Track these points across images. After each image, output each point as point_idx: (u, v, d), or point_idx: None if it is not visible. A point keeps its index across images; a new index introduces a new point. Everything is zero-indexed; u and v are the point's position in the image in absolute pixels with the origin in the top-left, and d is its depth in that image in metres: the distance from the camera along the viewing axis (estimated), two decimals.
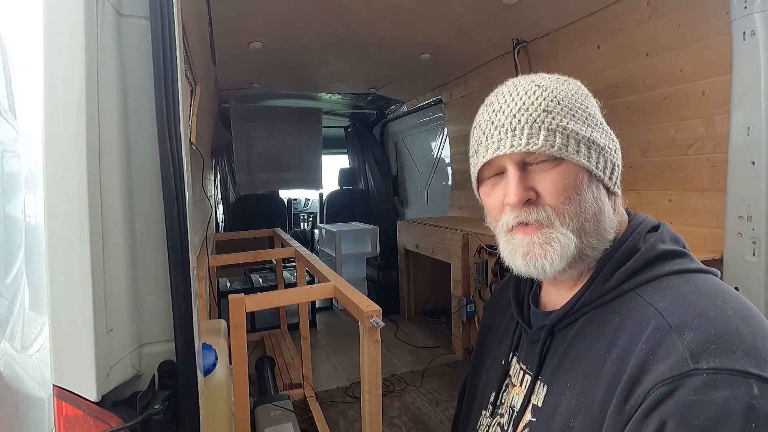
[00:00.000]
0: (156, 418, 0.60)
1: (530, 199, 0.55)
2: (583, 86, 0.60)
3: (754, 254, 1.51)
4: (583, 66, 2.22)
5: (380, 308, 1.34)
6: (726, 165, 1.59)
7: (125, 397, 0.64)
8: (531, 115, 0.55)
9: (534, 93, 0.56)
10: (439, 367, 2.83)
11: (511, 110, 0.56)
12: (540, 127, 0.54)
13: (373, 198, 5.41)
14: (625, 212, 0.62)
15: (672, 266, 0.54)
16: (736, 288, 1.54)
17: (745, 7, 1.49)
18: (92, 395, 0.58)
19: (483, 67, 3.07)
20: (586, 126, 0.56)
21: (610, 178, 0.58)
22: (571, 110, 0.56)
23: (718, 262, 1.61)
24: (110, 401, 0.62)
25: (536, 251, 0.56)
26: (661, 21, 1.83)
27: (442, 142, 4.39)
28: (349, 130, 5.59)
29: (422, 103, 4.21)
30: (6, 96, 1.58)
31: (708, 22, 1.65)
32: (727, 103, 1.59)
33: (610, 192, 0.58)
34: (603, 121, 0.60)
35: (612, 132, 0.60)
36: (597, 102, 0.61)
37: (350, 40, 2.54)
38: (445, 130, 4.07)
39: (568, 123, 0.55)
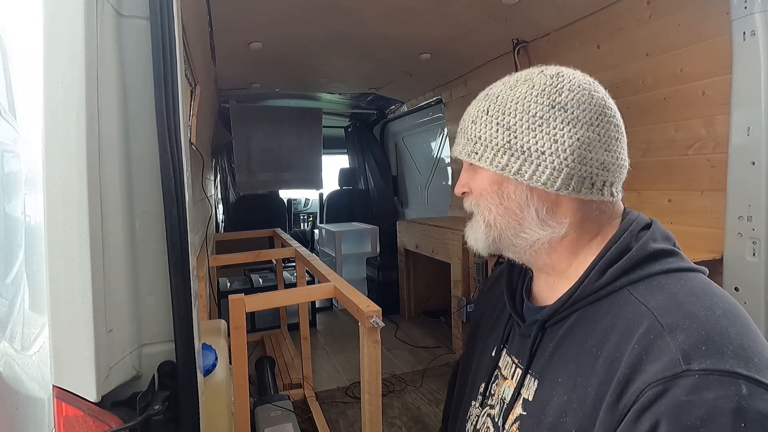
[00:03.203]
0: (156, 419, 0.60)
1: (465, 192, 0.66)
2: (547, 84, 0.58)
3: (754, 254, 1.50)
4: (583, 66, 2.18)
5: (380, 308, 1.34)
6: (726, 165, 1.59)
7: (125, 397, 0.64)
8: (464, 123, 0.64)
9: (477, 102, 0.63)
10: (439, 367, 2.83)
11: (464, 116, 0.65)
12: (464, 136, 0.63)
13: (373, 198, 5.41)
14: (612, 209, 0.62)
15: (663, 265, 0.55)
16: (736, 288, 1.55)
17: (745, 7, 1.49)
18: (92, 396, 0.58)
19: (483, 67, 3.06)
20: (508, 133, 0.58)
21: (545, 182, 0.57)
22: (496, 119, 0.59)
23: (718, 262, 1.61)
24: (110, 402, 0.62)
25: (467, 234, 0.68)
26: (662, 21, 1.83)
27: (442, 142, 4.39)
28: (349, 130, 5.59)
29: (422, 103, 4.21)
30: (6, 96, 1.58)
31: (708, 22, 1.65)
32: (727, 103, 1.59)
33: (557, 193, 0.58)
34: (550, 122, 0.56)
35: (570, 134, 0.56)
36: (577, 98, 0.57)
37: (350, 40, 2.54)
38: (445, 130, 4.07)
39: (485, 132, 0.59)
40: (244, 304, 1.51)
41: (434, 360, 2.91)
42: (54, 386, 0.58)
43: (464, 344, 0.85)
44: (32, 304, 1.53)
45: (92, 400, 0.58)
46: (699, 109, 1.74)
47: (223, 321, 1.35)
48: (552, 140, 0.56)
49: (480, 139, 0.60)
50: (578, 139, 0.56)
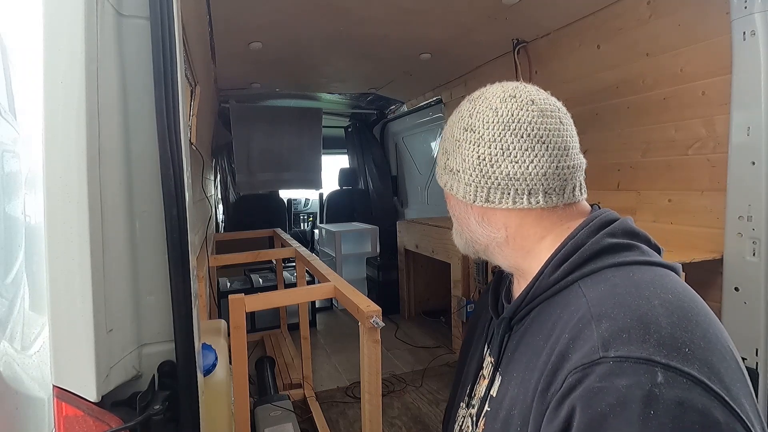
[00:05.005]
0: (156, 419, 0.60)
1: None
2: (465, 109, 0.64)
3: (754, 254, 1.50)
4: (583, 66, 2.21)
5: (380, 308, 1.34)
6: (726, 165, 1.59)
7: (125, 397, 0.64)
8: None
9: None
10: (439, 367, 2.83)
11: None
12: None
13: (373, 198, 5.41)
14: (561, 212, 0.61)
15: (615, 259, 0.54)
16: (736, 288, 1.55)
17: (745, 7, 1.49)
18: (92, 396, 0.58)
19: (483, 67, 3.06)
20: (445, 156, 0.66)
21: (464, 197, 0.63)
22: (443, 142, 0.68)
23: (718, 262, 1.60)
24: (110, 402, 0.62)
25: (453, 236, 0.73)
26: (661, 21, 1.83)
27: None
28: (349, 130, 5.59)
29: (422, 103, 4.21)
30: (6, 96, 1.58)
31: (708, 22, 1.65)
32: (727, 103, 1.58)
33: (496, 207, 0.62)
34: (462, 143, 0.62)
35: (472, 152, 0.60)
36: (510, 114, 0.59)
37: (350, 40, 2.54)
38: None
39: (438, 152, 0.70)
40: (244, 304, 1.51)
41: (434, 360, 2.91)
42: (54, 386, 0.58)
43: (460, 349, 0.85)
44: (32, 304, 1.53)
45: (92, 400, 0.58)
46: (699, 109, 1.74)
47: (223, 321, 1.35)
48: (462, 160, 0.62)
49: (437, 158, 0.70)
50: (479, 156, 0.60)
